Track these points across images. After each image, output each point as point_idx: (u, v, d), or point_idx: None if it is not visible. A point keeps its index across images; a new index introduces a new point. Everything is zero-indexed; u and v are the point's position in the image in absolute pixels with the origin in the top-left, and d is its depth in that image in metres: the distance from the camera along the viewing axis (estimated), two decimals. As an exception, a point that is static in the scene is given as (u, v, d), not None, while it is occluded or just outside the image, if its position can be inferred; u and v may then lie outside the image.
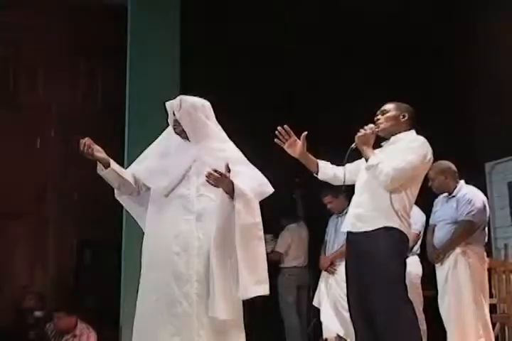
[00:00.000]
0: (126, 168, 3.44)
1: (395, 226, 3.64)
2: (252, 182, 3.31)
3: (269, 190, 3.38)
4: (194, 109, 3.34)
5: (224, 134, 3.46)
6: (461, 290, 4.78)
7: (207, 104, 3.44)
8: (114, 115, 6.43)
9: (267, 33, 6.91)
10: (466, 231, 4.86)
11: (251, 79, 6.81)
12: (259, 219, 3.25)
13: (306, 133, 3.84)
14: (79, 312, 5.74)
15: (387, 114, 3.84)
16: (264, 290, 3.20)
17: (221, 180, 3.14)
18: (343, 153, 3.78)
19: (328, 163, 4.02)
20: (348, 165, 3.94)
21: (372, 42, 7.11)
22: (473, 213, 4.85)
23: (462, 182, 5.06)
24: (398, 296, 3.59)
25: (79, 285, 6.67)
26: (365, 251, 3.66)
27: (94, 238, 6.76)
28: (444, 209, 5.04)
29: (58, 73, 7.07)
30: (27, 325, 6.04)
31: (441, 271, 4.91)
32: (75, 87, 7.14)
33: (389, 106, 3.87)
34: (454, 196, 5.00)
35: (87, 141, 3.23)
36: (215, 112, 3.44)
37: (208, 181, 3.14)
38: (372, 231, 3.66)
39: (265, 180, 3.39)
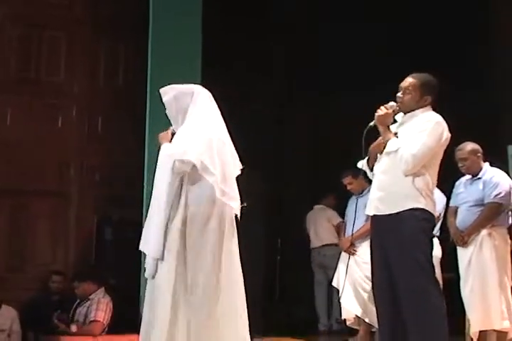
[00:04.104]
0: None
1: (420, 206, 3.63)
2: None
3: (179, 156, 3.31)
4: (175, 97, 3.46)
5: (192, 122, 3.43)
6: (485, 272, 4.76)
7: (194, 90, 3.50)
8: (135, 94, 6.43)
9: (292, 7, 6.89)
10: (493, 213, 4.83)
11: (278, 54, 6.80)
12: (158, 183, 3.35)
13: None
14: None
15: (411, 95, 3.75)
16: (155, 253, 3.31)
17: None
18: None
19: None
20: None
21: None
22: (500, 195, 4.82)
23: (487, 164, 5.01)
24: (425, 276, 3.59)
25: (99, 263, 6.73)
26: (390, 233, 3.65)
27: (115, 216, 6.82)
28: (468, 191, 5.00)
29: (80, 52, 7.08)
30: (51, 304, 6.12)
31: (465, 254, 4.89)
32: (96, 66, 7.14)
33: (413, 84, 3.76)
34: (479, 178, 4.95)
35: None
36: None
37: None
38: (398, 213, 3.64)
39: (182, 149, 3.33)
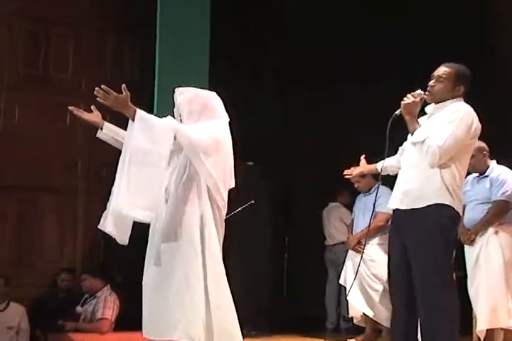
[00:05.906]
0: None
1: (445, 202, 3.51)
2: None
3: (185, 140, 3.21)
4: (191, 99, 3.42)
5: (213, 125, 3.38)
6: (492, 270, 4.75)
7: (207, 95, 3.47)
8: (142, 91, 6.42)
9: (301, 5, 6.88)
10: (500, 211, 4.82)
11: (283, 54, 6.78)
12: (159, 147, 3.16)
13: (364, 155, 4.09)
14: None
15: (443, 84, 3.62)
16: (146, 216, 3.17)
17: (107, 97, 3.25)
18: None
19: (381, 161, 3.95)
20: (390, 158, 3.89)
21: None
22: (507, 193, 4.81)
23: (494, 162, 5.00)
24: (443, 275, 3.50)
25: (107, 260, 6.74)
26: (411, 228, 3.54)
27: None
28: (475, 190, 4.98)
29: (87, 48, 7.09)
30: (58, 302, 6.14)
31: (472, 252, 4.88)
32: (103, 62, 7.15)
33: (448, 72, 3.63)
34: (486, 176, 4.94)
35: (72, 108, 3.58)
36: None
37: (97, 97, 3.21)
38: (422, 208, 3.53)
39: (202, 134, 3.26)
